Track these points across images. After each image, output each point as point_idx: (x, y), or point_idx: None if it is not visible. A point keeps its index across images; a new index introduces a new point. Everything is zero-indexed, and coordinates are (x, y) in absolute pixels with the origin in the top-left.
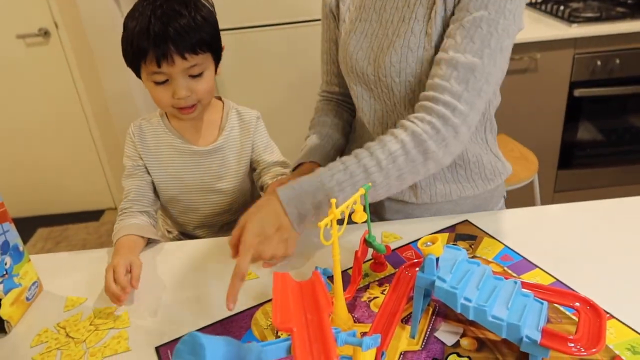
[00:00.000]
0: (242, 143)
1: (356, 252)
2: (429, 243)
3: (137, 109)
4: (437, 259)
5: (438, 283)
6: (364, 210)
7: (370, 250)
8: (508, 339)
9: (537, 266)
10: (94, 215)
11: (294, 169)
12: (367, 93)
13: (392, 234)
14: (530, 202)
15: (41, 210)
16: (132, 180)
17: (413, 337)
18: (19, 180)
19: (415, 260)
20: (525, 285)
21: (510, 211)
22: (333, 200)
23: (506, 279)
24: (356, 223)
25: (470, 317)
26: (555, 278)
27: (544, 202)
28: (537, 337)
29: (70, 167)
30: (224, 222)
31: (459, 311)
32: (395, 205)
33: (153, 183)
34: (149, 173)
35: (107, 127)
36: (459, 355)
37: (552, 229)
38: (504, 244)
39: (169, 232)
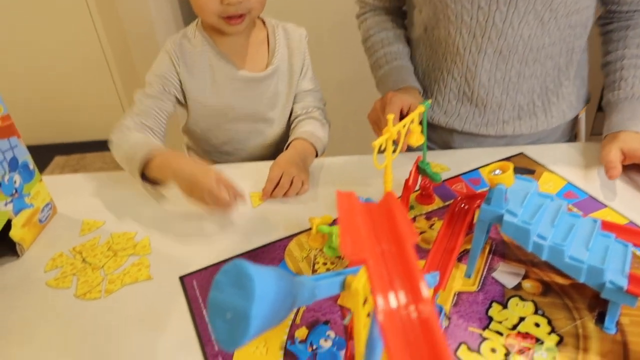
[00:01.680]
0: (292, 66)
1: (407, 180)
2: (497, 171)
3: (157, 41)
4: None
5: (507, 217)
6: (422, 131)
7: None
8: (586, 284)
9: (606, 205)
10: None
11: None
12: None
13: (440, 164)
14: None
15: (58, 138)
16: (153, 101)
17: (469, 277)
18: (36, 108)
19: (474, 192)
20: (605, 225)
21: (570, 145)
22: (390, 116)
23: (583, 216)
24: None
25: (544, 258)
26: (628, 219)
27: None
28: (624, 283)
29: (88, 95)
30: (268, 154)
31: (529, 250)
32: (464, 137)
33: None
34: (179, 102)
35: (125, 56)
36: (522, 299)
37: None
38: (567, 180)
39: None
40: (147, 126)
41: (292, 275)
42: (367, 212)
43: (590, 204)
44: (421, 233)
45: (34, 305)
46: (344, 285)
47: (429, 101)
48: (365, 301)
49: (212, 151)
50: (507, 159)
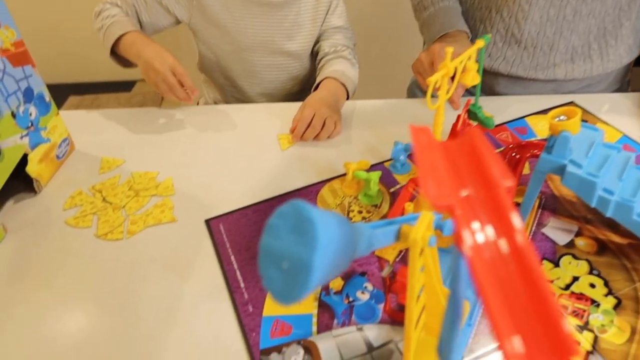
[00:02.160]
0: None
1: (454, 124)
2: (562, 117)
3: None
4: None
5: (571, 168)
6: (478, 70)
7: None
8: None
9: None
10: (125, 86)
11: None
12: None
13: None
14: None
15: (73, 78)
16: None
17: None
18: (51, 47)
19: (526, 141)
20: None
21: (625, 95)
22: (449, 50)
23: None
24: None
25: (609, 214)
26: None
27: None
28: None
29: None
30: (288, 91)
31: (593, 205)
32: (508, 81)
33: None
34: (179, 23)
35: None
36: (575, 257)
37: None
38: (622, 132)
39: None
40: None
41: (350, 222)
42: (444, 151)
43: None
44: None
45: (52, 244)
46: (398, 235)
47: (489, 35)
48: (421, 252)
49: (228, 87)
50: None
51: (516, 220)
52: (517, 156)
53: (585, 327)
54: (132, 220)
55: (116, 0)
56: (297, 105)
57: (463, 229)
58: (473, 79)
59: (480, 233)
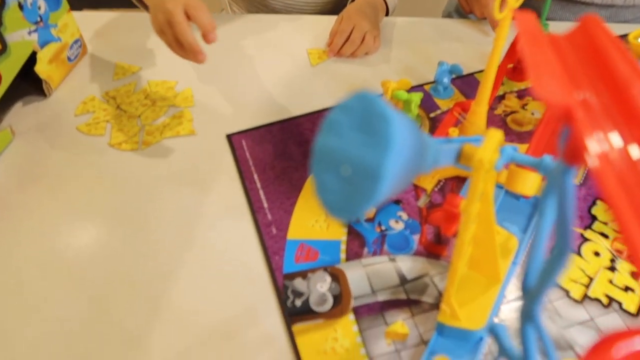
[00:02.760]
0: None
1: (513, 43)
2: None
3: None
4: None
5: None
6: None
7: None
8: None
9: None
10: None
11: None
12: None
13: None
14: None
15: None
16: None
17: None
18: None
19: None
20: None
21: None
22: None
23: None
24: None
25: None
26: None
27: None
28: None
29: None
30: (321, 7)
31: None
32: (558, 5)
33: None
34: None
35: None
36: None
37: None
38: None
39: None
40: None
41: (420, 131)
42: (553, 46)
43: None
44: (511, 113)
45: (63, 151)
46: (460, 155)
47: None
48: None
49: (254, 1)
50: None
51: None
52: None
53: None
54: (147, 130)
55: None
56: (328, 18)
57: (586, 135)
58: None
59: (605, 142)
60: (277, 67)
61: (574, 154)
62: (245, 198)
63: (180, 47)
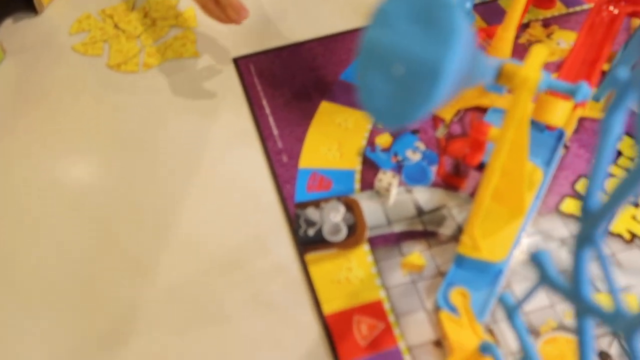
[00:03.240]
0: None
1: None
2: None
3: None
4: None
5: None
6: None
7: None
8: None
9: None
10: None
11: None
12: None
13: None
14: None
15: None
16: None
17: (597, 100)
18: None
19: None
20: None
21: None
22: None
23: None
24: None
25: None
26: None
27: None
28: None
29: None
30: None
31: None
32: None
33: None
34: None
35: None
36: None
37: None
38: None
39: None
40: None
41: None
42: None
43: None
44: (535, 42)
45: (58, 71)
46: (499, 74)
47: None
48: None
49: None
50: None
51: None
52: (615, 11)
53: None
54: (148, 52)
55: None
56: None
57: None
58: None
59: None
60: None
61: None
62: (253, 124)
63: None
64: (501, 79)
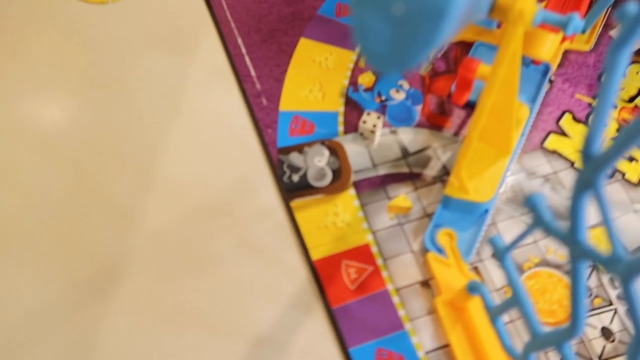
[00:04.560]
0: None
1: None
2: None
3: None
4: None
5: None
6: None
7: None
8: None
9: None
10: None
11: None
12: None
13: None
14: None
15: None
16: None
17: (583, 32)
18: None
19: None
20: None
21: None
22: None
23: None
24: None
25: None
26: None
27: None
28: None
29: None
30: None
31: None
32: None
33: None
34: None
35: None
36: None
37: None
38: None
39: None
40: None
41: None
42: None
43: None
44: None
45: (19, 2)
46: (494, 7)
47: None
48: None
49: None
50: None
51: None
52: None
53: None
54: None
55: None
56: None
57: None
58: None
59: None
60: None
61: None
62: (229, 64)
63: None
64: (494, 13)
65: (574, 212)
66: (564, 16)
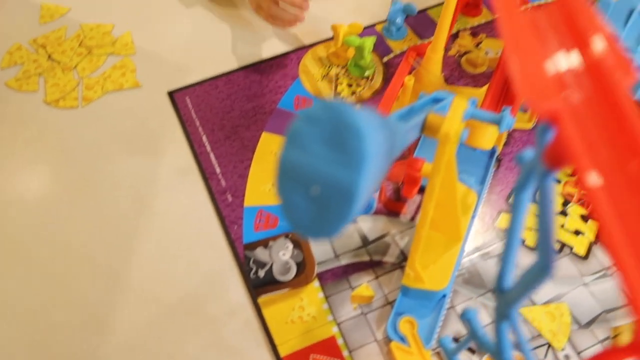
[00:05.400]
0: None
1: None
2: None
3: None
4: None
5: None
6: None
7: None
8: None
9: None
10: None
11: None
12: None
13: None
14: None
15: None
16: None
17: (523, 111)
18: None
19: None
20: None
21: None
22: None
23: None
24: None
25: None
26: None
27: None
28: None
29: None
30: None
31: None
32: None
33: None
34: None
35: None
36: None
37: None
38: None
39: None
40: None
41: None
42: (533, 24)
43: None
44: (465, 53)
45: None
46: (424, 126)
47: None
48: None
49: None
50: None
51: None
52: None
53: (589, 217)
54: (87, 84)
55: None
56: None
57: (576, 149)
58: None
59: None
60: (219, 9)
61: (558, 160)
62: (195, 163)
63: (276, 19)
64: (427, 132)
65: (498, 338)
66: (496, 114)
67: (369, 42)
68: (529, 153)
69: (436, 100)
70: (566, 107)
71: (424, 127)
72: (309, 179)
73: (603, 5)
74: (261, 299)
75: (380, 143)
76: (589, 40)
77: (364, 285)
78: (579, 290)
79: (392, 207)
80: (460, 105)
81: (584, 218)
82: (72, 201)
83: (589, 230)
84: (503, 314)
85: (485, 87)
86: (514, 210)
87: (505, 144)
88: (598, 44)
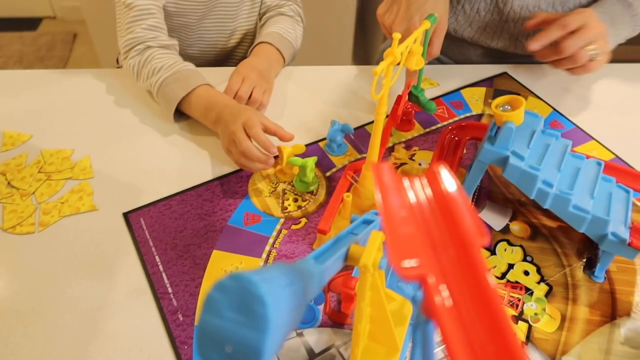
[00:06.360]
0: None
1: (394, 108)
2: (506, 106)
3: None
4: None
5: (514, 161)
6: (423, 54)
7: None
8: (585, 234)
9: (593, 137)
10: (30, 24)
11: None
12: None
13: (427, 78)
14: None
15: None
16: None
17: None
18: None
19: (466, 123)
20: (606, 167)
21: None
22: (396, 35)
23: (587, 158)
24: None
25: (546, 206)
26: (614, 154)
27: None
28: (626, 235)
29: None
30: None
31: (532, 197)
32: (488, 52)
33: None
34: None
35: None
36: (510, 244)
37: (612, 93)
38: (552, 107)
39: None
40: (157, 27)
41: (300, 270)
42: (411, 210)
43: (577, 135)
44: (401, 165)
45: None
46: (347, 257)
47: (435, 15)
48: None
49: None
50: (490, 79)
51: (491, 283)
52: (456, 138)
53: (520, 317)
54: (44, 209)
55: (136, 34)
56: (228, 70)
57: (437, 303)
58: (417, 63)
59: (449, 299)
60: (173, 128)
61: (428, 312)
62: (148, 283)
63: (247, 159)
64: (349, 261)
65: None
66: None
67: (311, 161)
68: (419, 294)
69: (367, 222)
70: (431, 267)
71: (347, 258)
72: (223, 340)
73: (507, 130)
74: None
75: (286, 302)
76: (450, 205)
77: None
78: None
79: (336, 318)
80: (376, 239)
81: (515, 318)
82: (26, 325)
83: (520, 331)
84: None
85: None
86: (414, 341)
87: None
88: (464, 219)
